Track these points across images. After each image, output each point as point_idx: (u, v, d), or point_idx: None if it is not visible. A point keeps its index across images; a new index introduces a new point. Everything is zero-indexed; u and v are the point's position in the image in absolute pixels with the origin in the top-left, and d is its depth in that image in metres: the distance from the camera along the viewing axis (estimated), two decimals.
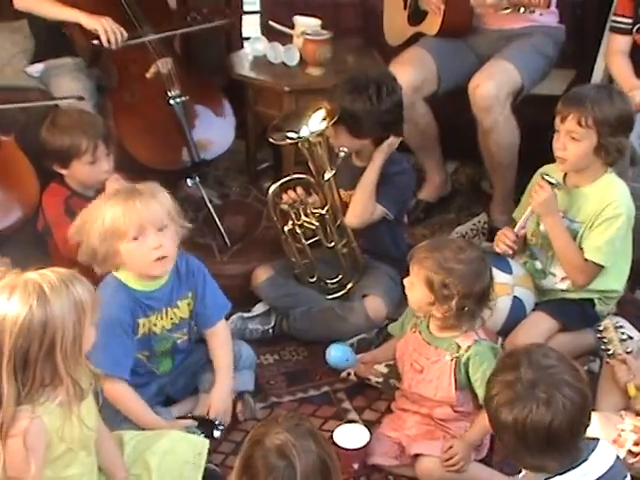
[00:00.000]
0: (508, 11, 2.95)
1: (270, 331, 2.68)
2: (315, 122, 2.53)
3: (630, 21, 2.90)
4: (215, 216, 2.98)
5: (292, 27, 3.34)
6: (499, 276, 2.29)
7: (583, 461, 1.59)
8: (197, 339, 2.36)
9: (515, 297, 2.49)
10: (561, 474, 1.58)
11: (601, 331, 2.32)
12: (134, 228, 2.07)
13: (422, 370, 2.17)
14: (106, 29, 2.84)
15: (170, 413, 2.25)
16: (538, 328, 2.45)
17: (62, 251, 2.50)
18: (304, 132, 2.52)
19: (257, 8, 3.73)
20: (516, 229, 2.52)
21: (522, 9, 2.89)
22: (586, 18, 3.40)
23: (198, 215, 3.00)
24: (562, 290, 2.54)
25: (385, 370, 2.44)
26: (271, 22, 3.44)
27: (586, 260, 2.43)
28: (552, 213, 2.44)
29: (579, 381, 1.58)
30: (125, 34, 2.88)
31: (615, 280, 2.52)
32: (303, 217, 2.65)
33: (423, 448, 2.13)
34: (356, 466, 2.16)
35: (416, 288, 2.11)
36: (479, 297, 2.09)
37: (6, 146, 2.75)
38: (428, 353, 2.17)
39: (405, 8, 3.29)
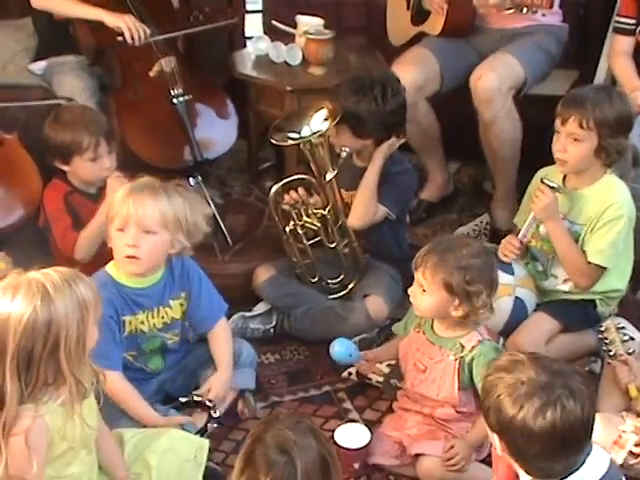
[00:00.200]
0: (511, 11, 2.95)
1: (271, 330, 2.68)
2: (317, 122, 2.53)
3: (633, 22, 2.90)
4: (217, 215, 2.97)
5: (294, 26, 3.34)
6: (501, 277, 2.29)
7: (581, 465, 1.58)
8: (198, 338, 2.36)
9: (517, 298, 2.49)
10: (562, 479, 1.58)
11: (603, 332, 2.32)
12: (119, 219, 2.10)
13: (425, 370, 2.17)
14: (130, 27, 2.87)
15: (169, 411, 2.24)
16: (539, 329, 2.45)
17: (59, 246, 2.51)
18: (305, 133, 2.52)
19: (260, 7, 3.73)
20: (519, 236, 2.52)
21: (525, 9, 2.89)
22: (589, 19, 3.40)
23: None
24: (564, 291, 2.54)
25: (386, 370, 2.44)
26: (274, 21, 3.44)
27: (589, 263, 2.43)
28: (554, 217, 2.44)
29: (587, 383, 1.59)
30: (148, 31, 2.91)
31: (617, 280, 2.52)
32: (305, 217, 2.65)
33: (424, 448, 2.14)
34: (357, 466, 2.16)
35: (430, 294, 2.09)
36: (495, 286, 2.12)
37: (9, 144, 2.75)
38: (432, 353, 2.17)
39: (408, 8, 3.29)
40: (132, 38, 2.87)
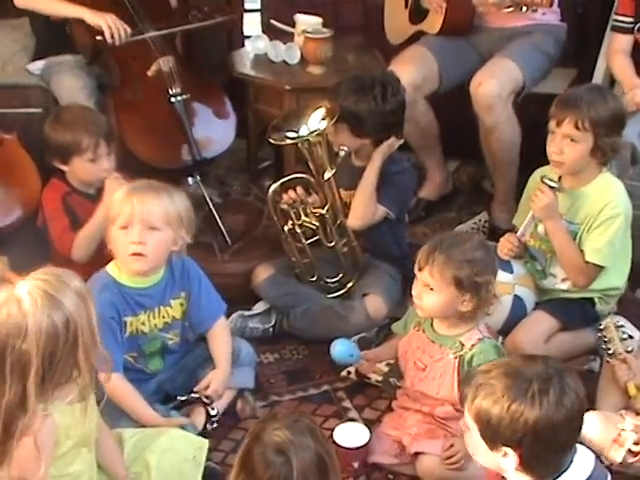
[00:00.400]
0: (510, 9, 2.95)
1: (270, 330, 2.68)
2: (315, 121, 2.53)
3: (631, 20, 2.90)
4: (216, 215, 2.98)
5: (293, 25, 3.34)
6: (500, 275, 2.29)
7: (569, 465, 1.59)
8: (197, 337, 2.36)
9: (516, 296, 2.49)
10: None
11: (602, 330, 2.33)
12: (123, 217, 2.10)
13: (425, 368, 2.17)
14: (110, 25, 2.85)
15: (168, 411, 2.25)
16: (538, 327, 2.45)
17: (56, 247, 2.51)
18: (303, 132, 2.52)
19: (258, 6, 3.73)
20: (518, 234, 2.52)
21: (524, 8, 2.89)
22: (588, 17, 3.40)
23: (199, 214, 2.99)
24: (563, 290, 2.54)
25: (385, 369, 2.44)
26: (272, 20, 3.44)
27: (587, 262, 2.43)
28: (553, 217, 2.44)
29: (578, 380, 1.60)
30: (129, 30, 2.89)
31: (616, 277, 2.53)
32: (303, 217, 2.65)
33: (424, 447, 2.14)
34: (356, 465, 2.16)
35: (438, 293, 2.08)
36: (496, 274, 2.15)
37: (8, 144, 2.75)
38: (432, 351, 2.17)
39: (406, 7, 3.29)
40: (112, 37, 2.86)
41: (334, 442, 2.10)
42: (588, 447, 1.97)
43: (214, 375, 2.25)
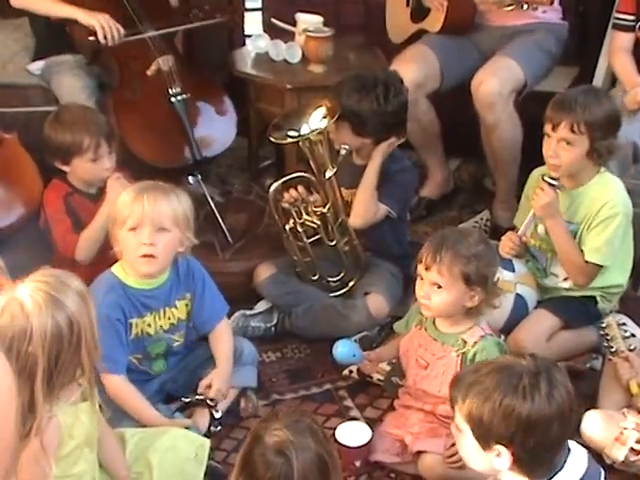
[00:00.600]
0: (511, 8, 2.95)
1: (272, 329, 2.68)
2: (315, 120, 2.53)
3: (633, 18, 2.90)
4: (217, 214, 2.97)
5: (294, 24, 3.34)
6: (502, 274, 2.29)
7: (563, 465, 1.59)
8: (199, 337, 2.36)
9: (517, 295, 2.49)
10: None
11: (604, 328, 2.33)
12: (133, 219, 2.09)
13: (427, 366, 2.17)
14: (103, 25, 2.84)
15: (171, 410, 2.25)
16: (540, 326, 2.45)
17: (60, 248, 2.50)
18: (304, 130, 2.52)
19: (259, 5, 3.72)
20: (519, 233, 2.52)
21: (525, 6, 2.89)
22: (589, 15, 3.39)
23: (200, 213, 2.99)
24: (565, 289, 2.54)
25: (387, 368, 2.43)
26: (273, 19, 3.44)
27: (586, 262, 2.43)
28: (554, 215, 2.43)
29: (566, 376, 1.61)
30: (122, 31, 2.87)
31: (618, 274, 2.52)
32: (304, 215, 2.65)
33: (426, 445, 2.14)
34: (358, 463, 2.16)
35: (447, 290, 2.08)
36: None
37: (9, 144, 2.74)
38: (434, 349, 2.17)
39: (407, 5, 3.29)
40: (105, 37, 2.85)
41: (336, 441, 2.10)
42: (589, 445, 1.98)
43: (215, 375, 2.24)
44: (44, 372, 1.57)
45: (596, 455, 1.96)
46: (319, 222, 2.65)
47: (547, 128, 2.39)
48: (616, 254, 2.45)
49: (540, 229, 2.51)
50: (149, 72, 2.98)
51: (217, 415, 2.19)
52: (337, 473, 1.52)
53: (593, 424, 2.10)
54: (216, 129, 3.11)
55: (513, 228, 2.63)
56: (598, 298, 2.52)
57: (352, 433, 2.15)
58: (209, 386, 2.22)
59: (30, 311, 1.57)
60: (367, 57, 3.35)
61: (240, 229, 3.03)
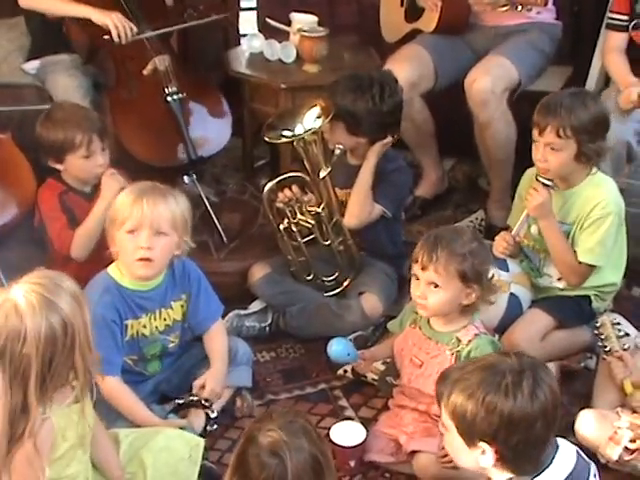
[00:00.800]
0: (505, 8, 2.95)
1: (267, 328, 2.68)
2: (310, 120, 2.53)
3: (626, 18, 2.89)
4: (212, 213, 2.98)
5: (289, 24, 3.34)
6: (496, 274, 2.29)
7: (551, 462, 1.59)
8: (193, 337, 2.36)
9: (512, 294, 2.50)
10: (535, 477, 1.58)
11: (598, 328, 2.33)
12: (132, 221, 2.09)
13: (421, 365, 2.18)
14: (116, 24, 2.86)
15: (165, 411, 2.24)
16: (535, 325, 2.46)
17: (55, 245, 2.50)
18: (298, 130, 2.52)
19: (254, 5, 3.72)
20: (513, 233, 2.52)
21: (519, 7, 2.89)
22: (583, 15, 3.40)
23: (195, 212, 2.99)
24: (559, 289, 2.54)
25: (382, 367, 2.43)
26: (268, 19, 3.44)
27: (580, 262, 2.43)
28: (548, 216, 2.43)
29: (552, 376, 1.63)
30: (135, 29, 2.89)
31: (612, 274, 2.53)
32: (299, 215, 2.65)
33: (420, 445, 2.14)
34: (352, 463, 2.16)
35: (444, 288, 2.09)
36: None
37: (3, 144, 2.74)
38: (428, 348, 2.18)
39: (402, 5, 3.29)
40: (119, 36, 2.86)
41: (330, 441, 2.10)
42: (583, 445, 1.98)
43: (209, 375, 2.24)
44: (37, 374, 1.57)
45: (590, 454, 1.97)
46: (313, 222, 2.66)
47: (534, 133, 2.39)
48: (609, 254, 2.46)
49: (533, 229, 2.51)
50: (145, 72, 2.98)
51: (212, 415, 2.19)
52: (331, 473, 1.52)
53: (587, 423, 2.11)
54: (211, 129, 3.12)
55: (507, 228, 2.64)
56: (592, 297, 2.52)
57: (346, 433, 2.16)
58: (203, 386, 2.22)
59: (24, 312, 1.57)
60: (361, 57, 3.35)
61: (234, 229, 3.04)
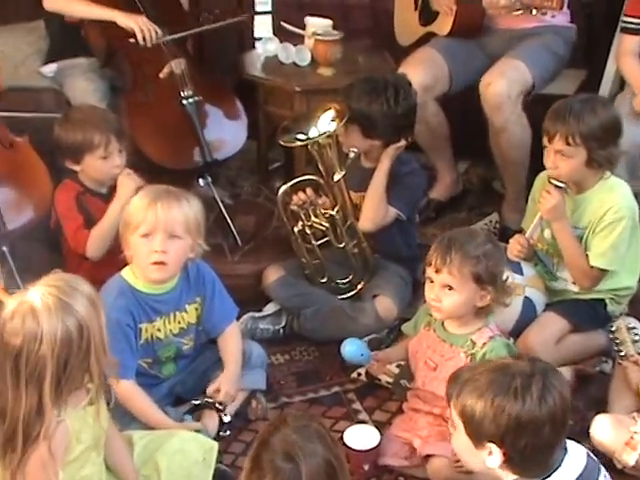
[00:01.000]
0: (520, 12, 2.95)
1: (281, 331, 2.68)
2: (324, 123, 2.53)
3: None
4: (226, 216, 2.99)
5: (303, 28, 3.35)
6: (510, 277, 2.29)
7: (559, 465, 1.59)
8: (208, 340, 2.37)
9: (526, 298, 2.49)
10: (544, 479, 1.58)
11: (613, 332, 2.32)
12: (146, 225, 2.10)
13: (436, 367, 2.17)
14: (142, 27, 2.89)
15: (179, 413, 2.25)
16: (549, 329, 2.45)
17: (71, 245, 2.52)
18: (313, 134, 2.52)
19: (269, 8, 3.73)
20: (527, 236, 2.52)
21: (534, 11, 2.89)
22: (597, 18, 3.39)
23: (209, 215, 3.01)
24: (574, 292, 2.54)
25: (396, 370, 2.43)
26: (283, 23, 3.45)
27: (592, 266, 2.42)
28: (561, 218, 2.43)
29: (563, 381, 1.62)
30: (160, 32, 2.92)
31: (627, 277, 2.51)
32: (313, 218, 2.65)
33: (435, 449, 2.13)
34: (366, 467, 2.16)
35: (459, 291, 2.08)
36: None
37: (20, 147, 2.76)
38: (443, 350, 2.17)
39: (416, 8, 3.29)
40: (144, 39, 2.89)
41: (344, 444, 2.10)
42: (598, 449, 1.97)
43: (223, 378, 2.25)
44: (53, 376, 1.58)
45: (606, 460, 1.96)
46: (327, 225, 2.66)
47: (544, 139, 2.39)
48: (624, 257, 2.44)
49: (547, 233, 2.51)
50: (162, 75, 3.00)
51: (226, 419, 2.20)
52: (345, 477, 1.52)
53: (603, 428, 2.10)
54: (227, 132, 3.13)
55: (522, 230, 2.63)
56: (607, 301, 2.51)
57: (360, 436, 2.15)
58: (218, 390, 2.23)
59: (40, 314, 1.58)
60: (376, 60, 3.35)
61: (249, 231, 3.04)
